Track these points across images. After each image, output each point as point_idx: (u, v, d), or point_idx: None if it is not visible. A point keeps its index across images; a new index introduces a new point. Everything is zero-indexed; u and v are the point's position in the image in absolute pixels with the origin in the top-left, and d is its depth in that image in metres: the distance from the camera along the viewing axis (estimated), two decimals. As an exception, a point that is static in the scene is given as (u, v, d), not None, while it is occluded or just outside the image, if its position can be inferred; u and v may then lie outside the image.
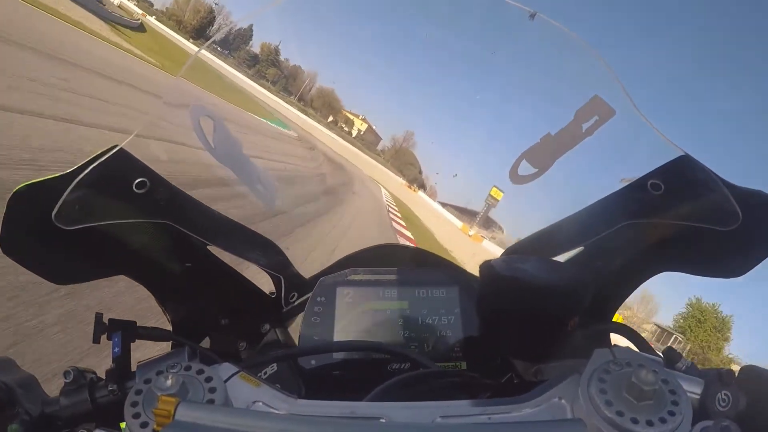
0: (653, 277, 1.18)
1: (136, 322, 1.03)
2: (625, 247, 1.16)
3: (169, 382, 0.72)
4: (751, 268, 1.01)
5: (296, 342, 1.28)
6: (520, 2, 1.23)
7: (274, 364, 1.14)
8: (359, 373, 1.16)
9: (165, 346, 1.12)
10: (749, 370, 0.84)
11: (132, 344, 1.02)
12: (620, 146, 1.23)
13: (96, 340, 0.98)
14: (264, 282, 1.39)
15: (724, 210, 0.94)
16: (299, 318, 1.30)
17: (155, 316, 1.25)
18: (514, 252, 1.31)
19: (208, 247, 1.19)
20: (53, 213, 0.89)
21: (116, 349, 0.97)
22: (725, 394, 0.81)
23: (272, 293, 1.40)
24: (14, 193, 0.88)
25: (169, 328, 1.21)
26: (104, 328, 0.98)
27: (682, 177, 1.02)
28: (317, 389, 1.15)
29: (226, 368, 0.86)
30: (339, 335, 1.24)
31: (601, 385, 0.74)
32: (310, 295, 1.32)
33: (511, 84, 1.49)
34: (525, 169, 1.26)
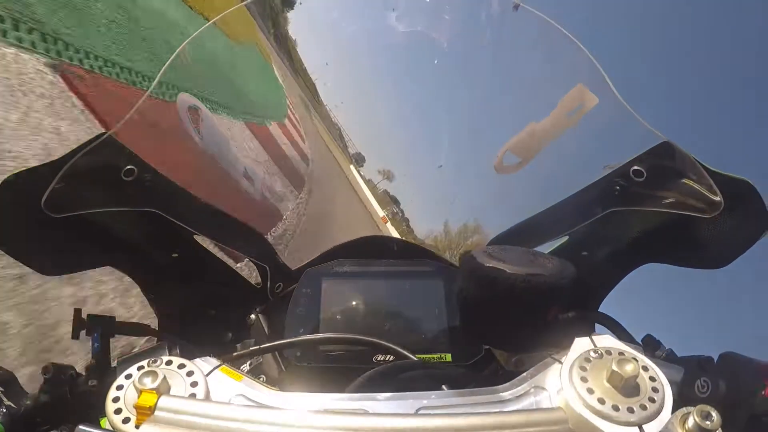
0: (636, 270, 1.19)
1: (115, 318, 1.02)
2: (609, 235, 1.16)
3: (150, 376, 0.72)
4: (734, 258, 1.00)
5: (282, 332, 1.28)
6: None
7: (260, 356, 1.14)
8: (344, 364, 1.16)
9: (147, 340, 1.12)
10: (728, 357, 0.85)
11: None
12: (603, 133, 1.22)
13: (75, 336, 0.97)
14: (251, 272, 1.39)
15: (706, 197, 0.93)
16: (285, 308, 1.30)
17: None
18: (498, 242, 1.31)
19: (195, 237, 1.19)
20: (42, 201, 0.88)
21: (96, 345, 0.96)
22: (705, 381, 0.82)
23: (258, 284, 1.40)
24: (3, 181, 0.87)
25: (156, 318, 1.21)
26: (83, 324, 0.98)
27: (664, 164, 1.01)
28: (302, 380, 1.15)
29: (208, 362, 0.85)
30: (324, 326, 1.24)
31: (581, 374, 0.74)
32: (296, 285, 1.32)
33: (495, 74, 1.49)
34: (510, 159, 1.27)
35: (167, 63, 1.10)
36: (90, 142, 0.94)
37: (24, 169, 0.88)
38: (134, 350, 0.94)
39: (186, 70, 1.18)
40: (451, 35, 1.48)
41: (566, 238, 1.23)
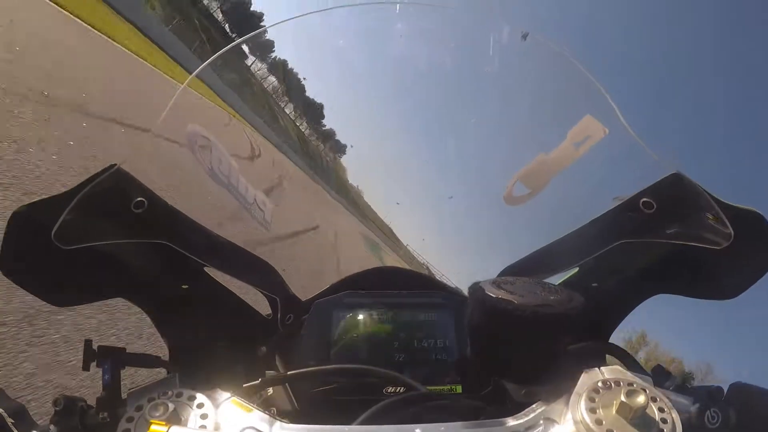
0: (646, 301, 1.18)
1: (125, 349, 1.02)
2: (619, 267, 1.16)
3: (160, 409, 0.73)
4: (745, 289, 1.00)
5: (293, 364, 1.28)
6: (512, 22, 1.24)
7: (270, 388, 1.14)
8: (354, 396, 1.15)
9: (158, 371, 1.11)
10: (738, 388, 0.85)
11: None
12: (613, 165, 1.23)
13: (85, 367, 0.97)
14: (261, 304, 1.39)
15: (716, 229, 0.94)
16: (296, 340, 1.29)
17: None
18: (508, 273, 1.31)
19: (205, 268, 1.19)
20: (52, 233, 0.89)
21: (106, 377, 0.96)
22: (715, 411, 0.82)
23: (269, 315, 1.39)
24: (14, 213, 0.88)
25: (166, 350, 1.20)
26: (93, 355, 0.98)
27: (674, 195, 1.02)
28: (313, 411, 1.14)
29: (218, 394, 0.85)
30: (334, 358, 1.23)
31: (590, 405, 0.75)
32: (306, 317, 1.32)
33: (503, 104, 1.50)
34: (519, 190, 1.27)
35: (173, 98, 1.12)
36: (99, 174, 0.95)
37: (34, 201, 0.89)
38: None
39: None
40: (460, 66, 1.50)
41: (576, 269, 1.23)
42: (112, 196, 0.99)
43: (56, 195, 0.91)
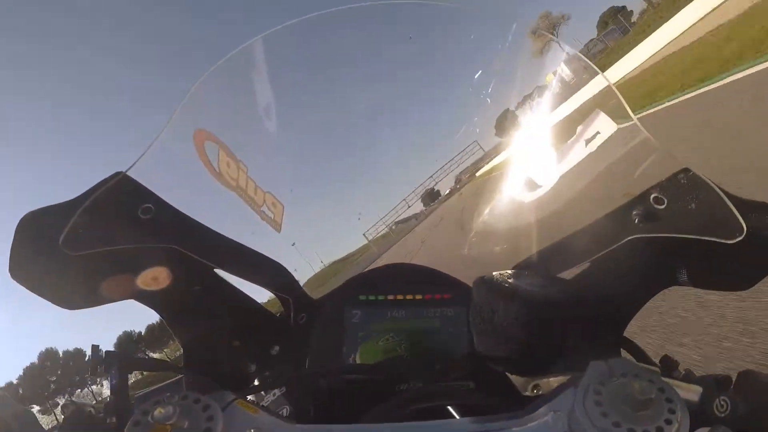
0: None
1: (131, 354, 1.02)
2: (631, 262, 1.15)
3: (165, 412, 0.73)
4: (758, 281, 1.00)
5: (306, 363, 1.28)
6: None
7: (279, 389, 1.14)
8: (368, 394, 1.15)
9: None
10: (747, 375, 0.84)
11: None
12: (622, 160, 1.22)
13: (93, 372, 0.98)
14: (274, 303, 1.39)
15: (728, 223, 0.93)
16: (308, 339, 1.30)
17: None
18: (520, 269, 1.30)
19: (216, 270, 1.20)
20: (60, 239, 0.90)
21: (113, 381, 0.96)
22: (723, 400, 0.82)
23: (281, 315, 1.40)
24: (21, 219, 0.89)
25: (180, 352, 1.21)
26: (100, 360, 0.98)
27: (684, 190, 1.01)
28: (323, 411, 1.14)
29: (224, 396, 0.85)
30: (347, 356, 1.24)
31: (596, 397, 0.75)
32: (319, 316, 1.32)
33: (512, 101, 1.49)
34: (529, 186, 1.26)
35: (182, 102, 1.12)
36: (105, 181, 0.96)
37: (41, 207, 0.90)
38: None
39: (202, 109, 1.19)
40: (469, 63, 1.49)
41: (588, 264, 1.22)
42: (119, 203, 1.00)
43: (63, 202, 0.92)
